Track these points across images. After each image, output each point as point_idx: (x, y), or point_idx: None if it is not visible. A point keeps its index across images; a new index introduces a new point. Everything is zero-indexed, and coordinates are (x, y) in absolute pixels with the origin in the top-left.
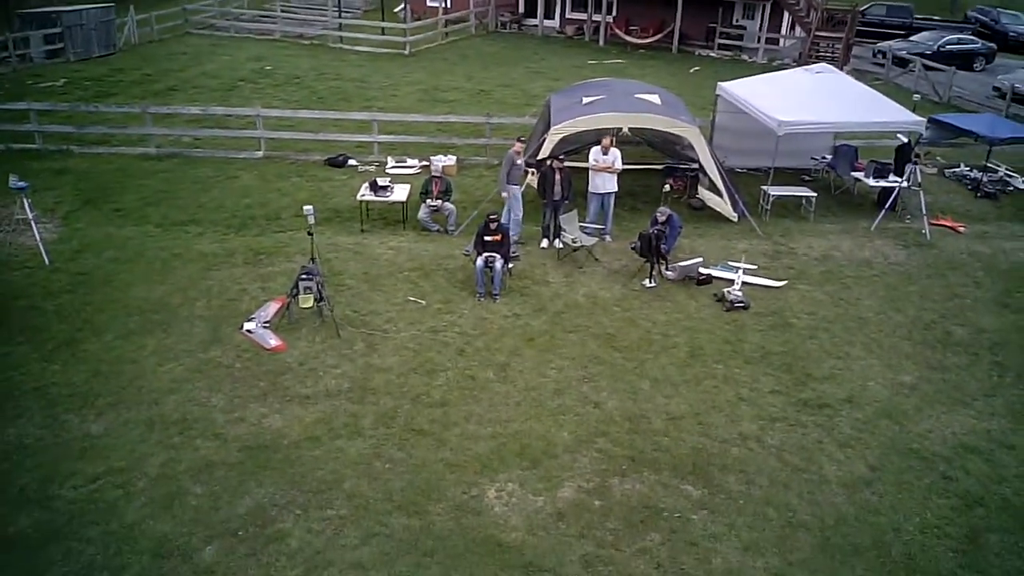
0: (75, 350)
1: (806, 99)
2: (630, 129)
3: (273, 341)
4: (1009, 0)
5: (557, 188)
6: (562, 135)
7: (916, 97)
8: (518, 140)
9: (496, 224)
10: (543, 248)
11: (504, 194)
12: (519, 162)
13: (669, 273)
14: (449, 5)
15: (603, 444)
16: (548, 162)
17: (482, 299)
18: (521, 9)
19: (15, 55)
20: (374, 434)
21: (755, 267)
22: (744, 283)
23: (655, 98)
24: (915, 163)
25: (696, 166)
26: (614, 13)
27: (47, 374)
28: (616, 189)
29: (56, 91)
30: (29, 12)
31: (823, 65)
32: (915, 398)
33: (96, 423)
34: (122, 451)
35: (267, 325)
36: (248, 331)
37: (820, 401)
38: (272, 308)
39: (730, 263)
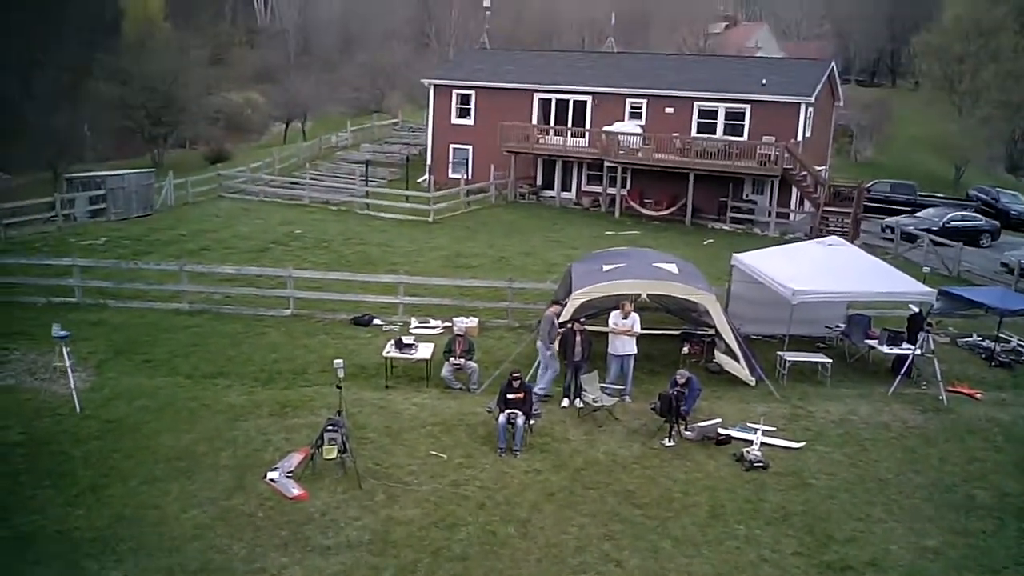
0: (100, 495)
1: (819, 270)
2: (648, 295)
3: (296, 490)
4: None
5: (578, 349)
6: (583, 300)
7: (926, 270)
8: (555, 303)
9: (519, 382)
10: (563, 407)
11: (548, 352)
12: (556, 323)
13: (688, 433)
14: (470, 176)
15: None
16: (570, 324)
17: (503, 455)
18: (539, 181)
19: (61, 214)
20: None
21: (773, 429)
22: (763, 443)
23: (672, 267)
24: (927, 331)
25: (712, 332)
26: (628, 186)
27: (71, 518)
28: (635, 351)
29: (97, 248)
30: (77, 176)
31: (834, 238)
32: (941, 563)
33: (115, 570)
34: None
35: (290, 475)
36: (271, 480)
37: (843, 564)
38: (296, 458)
39: (748, 424)
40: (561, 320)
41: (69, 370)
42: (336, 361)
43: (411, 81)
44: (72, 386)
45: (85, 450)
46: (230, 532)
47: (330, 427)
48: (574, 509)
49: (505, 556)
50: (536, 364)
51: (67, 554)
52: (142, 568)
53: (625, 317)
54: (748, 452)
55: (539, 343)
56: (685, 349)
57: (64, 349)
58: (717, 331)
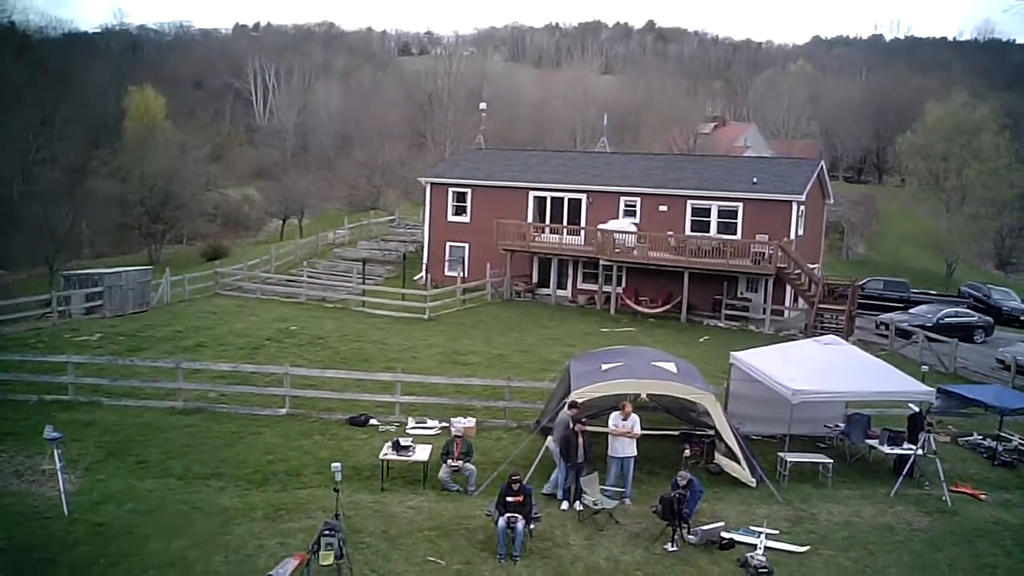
0: None
1: (818, 369)
2: (647, 395)
3: None
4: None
5: (580, 451)
6: (582, 400)
7: (924, 368)
8: (570, 405)
9: (519, 485)
10: (563, 510)
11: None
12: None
13: (691, 537)
14: (467, 274)
15: None
16: (572, 426)
17: (503, 561)
18: (535, 279)
19: (56, 311)
20: None
21: (776, 532)
22: (767, 547)
23: (671, 366)
24: (928, 431)
25: (712, 432)
26: (624, 284)
27: None
28: (635, 453)
29: (91, 344)
30: (74, 274)
31: (832, 337)
32: None
33: None
34: None
35: None
36: None
37: None
38: (291, 565)
39: (752, 527)
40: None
41: (59, 472)
42: (334, 465)
43: (407, 179)
44: (61, 488)
45: (72, 556)
46: None
47: (327, 531)
48: None
49: None
50: (535, 465)
51: None
52: None
53: (625, 419)
54: (752, 557)
55: (552, 445)
56: (687, 451)
57: (55, 451)
58: (717, 431)
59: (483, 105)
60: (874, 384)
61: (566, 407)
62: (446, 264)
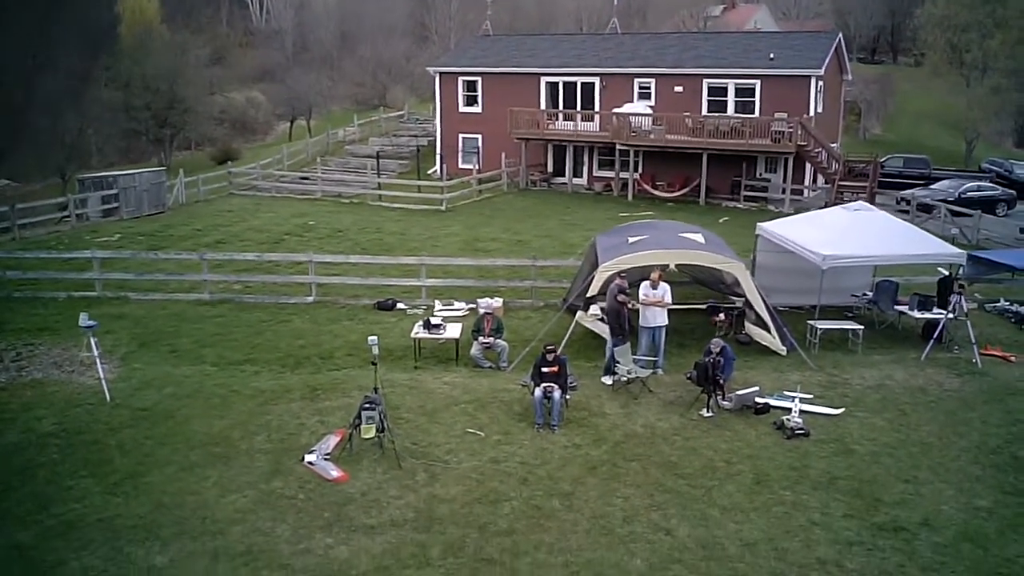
0: (137, 482)
1: (848, 235)
2: (676, 265)
3: (335, 472)
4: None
5: (627, 322)
6: (610, 272)
7: (955, 231)
8: (620, 275)
9: (553, 355)
10: (606, 384)
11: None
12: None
13: (726, 403)
14: (481, 165)
15: (678, 571)
16: (616, 297)
17: (541, 430)
18: (550, 168)
19: (74, 214)
20: (443, 564)
21: (811, 396)
22: (802, 411)
23: (699, 236)
24: (960, 294)
25: (739, 303)
26: (640, 169)
27: (110, 506)
28: (666, 322)
29: (111, 245)
30: (89, 176)
31: (860, 203)
32: (995, 522)
33: (161, 555)
34: None
35: (328, 457)
36: (310, 463)
37: (895, 525)
38: (332, 441)
39: (785, 392)
40: (589, 295)
41: (97, 360)
42: (370, 338)
43: (413, 74)
44: (101, 376)
45: (119, 438)
46: (272, 515)
47: (367, 405)
48: (618, 481)
49: (553, 529)
50: (564, 341)
51: (111, 541)
52: (187, 552)
53: (655, 287)
54: (788, 420)
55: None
56: (720, 316)
57: (92, 339)
58: (747, 301)
59: None
60: (905, 247)
61: (617, 278)
62: (460, 156)
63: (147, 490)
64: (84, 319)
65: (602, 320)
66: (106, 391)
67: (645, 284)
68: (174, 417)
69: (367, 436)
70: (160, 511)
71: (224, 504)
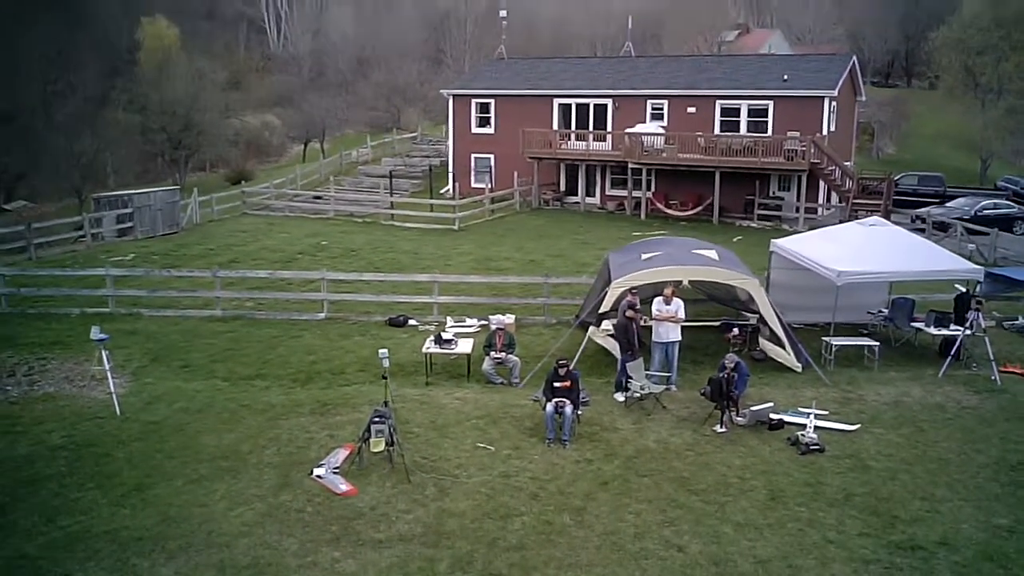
0: (145, 495)
1: (863, 250)
2: (690, 282)
3: (344, 486)
4: None
5: (636, 339)
6: (623, 288)
7: (971, 247)
8: (631, 292)
9: (566, 370)
10: (619, 400)
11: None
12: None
13: (740, 419)
14: (493, 185)
15: None
16: (624, 312)
17: (552, 445)
18: (562, 187)
19: (89, 234)
20: None
21: (826, 412)
22: (817, 427)
23: (712, 253)
24: (978, 310)
25: (754, 320)
26: (653, 188)
27: (117, 518)
28: (680, 338)
29: (126, 264)
30: (104, 196)
31: (875, 219)
32: (1015, 541)
33: (166, 567)
34: None
35: (337, 471)
36: (318, 476)
37: (912, 543)
38: (341, 454)
39: (800, 409)
40: (602, 311)
41: (108, 373)
42: (381, 351)
43: (427, 97)
44: (112, 390)
45: (128, 452)
46: (279, 528)
47: (377, 419)
48: (630, 496)
49: (563, 544)
50: (577, 356)
51: (116, 553)
52: (193, 565)
53: (668, 303)
54: (803, 435)
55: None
56: (735, 332)
57: (103, 352)
58: (761, 317)
59: (503, 12)
60: (921, 263)
61: (629, 294)
62: (472, 175)
63: (154, 502)
64: (96, 332)
65: (613, 336)
66: (116, 405)
67: (658, 300)
68: (183, 431)
69: (376, 450)
70: (167, 524)
71: (231, 517)
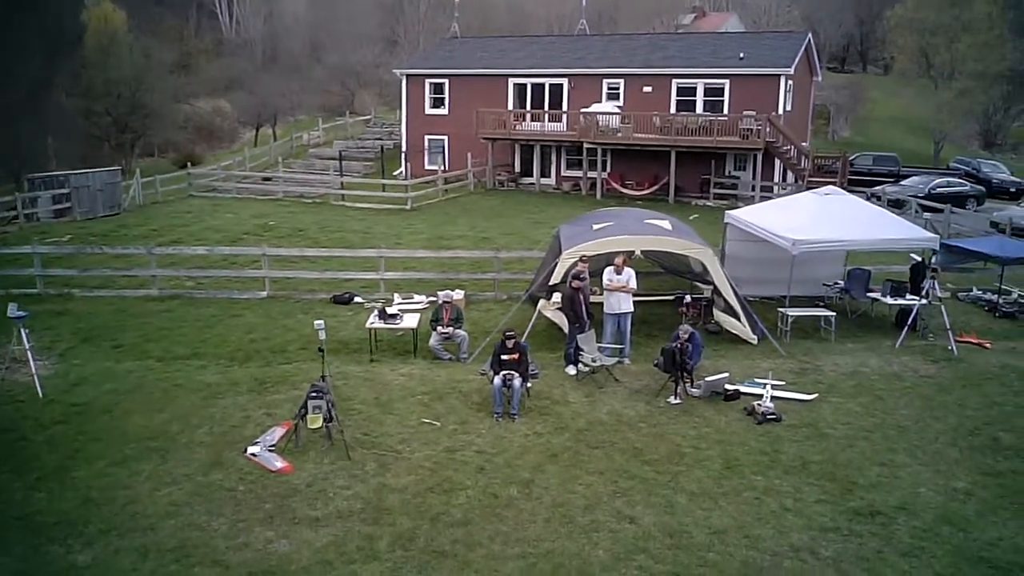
0: (64, 478)
1: (818, 219)
2: (643, 252)
3: (279, 463)
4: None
5: (584, 310)
6: (574, 259)
7: (927, 216)
8: (581, 260)
9: (514, 342)
10: (570, 374)
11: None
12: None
13: (694, 390)
14: (447, 167)
15: (643, 561)
16: (570, 283)
17: (500, 419)
18: (517, 168)
19: (23, 214)
20: (391, 557)
21: (782, 383)
22: (774, 397)
23: (666, 223)
24: (932, 279)
25: (709, 292)
26: (609, 168)
27: (31, 503)
28: (632, 310)
29: (62, 245)
30: (39, 175)
31: (831, 188)
32: (974, 504)
33: (83, 553)
34: None
35: (273, 448)
36: (252, 454)
37: (871, 508)
38: (278, 432)
39: (756, 380)
40: (552, 283)
41: (28, 353)
42: (317, 322)
43: (382, 80)
44: (33, 370)
45: (48, 435)
46: (209, 508)
47: (314, 394)
48: (580, 468)
49: (510, 518)
50: (527, 332)
51: (28, 540)
52: (113, 549)
53: (619, 273)
54: (759, 405)
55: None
56: (687, 300)
57: (23, 331)
58: (715, 288)
59: None
60: (877, 232)
61: (580, 263)
62: (426, 157)
63: (73, 486)
64: (13, 309)
65: (561, 310)
66: (38, 387)
67: (609, 269)
68: (111, 412)
69: (314, 426)
70: (87, 507)
71: (157, 498)
